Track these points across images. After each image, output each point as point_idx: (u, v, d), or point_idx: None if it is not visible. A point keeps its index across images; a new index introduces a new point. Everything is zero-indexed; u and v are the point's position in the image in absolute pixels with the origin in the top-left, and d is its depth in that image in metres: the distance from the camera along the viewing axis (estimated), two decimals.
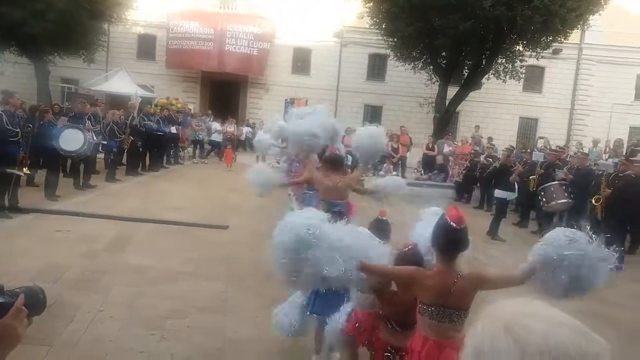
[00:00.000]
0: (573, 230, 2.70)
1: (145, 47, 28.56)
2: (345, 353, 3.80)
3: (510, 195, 10.89)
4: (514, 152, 13.16)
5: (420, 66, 22.01)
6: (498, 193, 10.85)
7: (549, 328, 0.91)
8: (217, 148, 20.64)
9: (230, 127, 21.38)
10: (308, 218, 2.84)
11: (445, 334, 2.63)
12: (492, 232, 10.29)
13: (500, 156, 13.73)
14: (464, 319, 2.66)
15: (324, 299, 4.04)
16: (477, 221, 11.21)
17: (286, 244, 2.70)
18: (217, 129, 20.85)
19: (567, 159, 12.92)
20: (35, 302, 1.47)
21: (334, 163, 5.32)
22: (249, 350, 4.53)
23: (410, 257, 3.09)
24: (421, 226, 3.21)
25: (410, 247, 3.20)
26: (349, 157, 15.91)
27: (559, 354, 0.87)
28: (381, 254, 2.96)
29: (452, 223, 2.61)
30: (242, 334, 4.85)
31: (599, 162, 11.21)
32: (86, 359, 4.13)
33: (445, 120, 21.67)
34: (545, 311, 0.96)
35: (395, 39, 20.97)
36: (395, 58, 22.58)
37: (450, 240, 2.64)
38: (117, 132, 13.10)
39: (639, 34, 26.78)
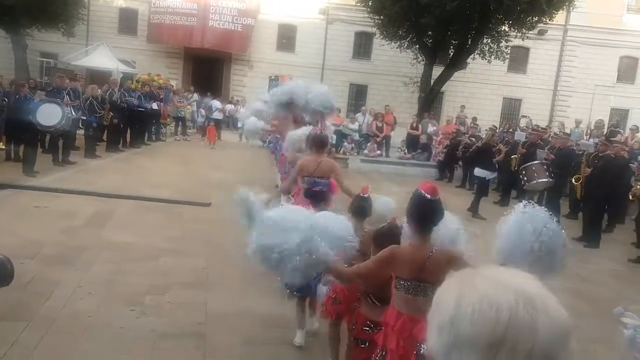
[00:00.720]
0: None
1: (127, 21, 27.87)
2: (330, 327, 3.83)
3: (490, 175, 10.96)
4: (497, 132, 13.22)
5: (406, 45, 21.87)
6: (478, 172, 10.93)
7: (490, 288, 0.90)
8: (217, 125, 20.66)
9: None
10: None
11: (420, 308, 2.60)
12: (473, 210, 10.38)
13: (484, 136, 13.80)
14: None
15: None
16: (459, 200, 11.29)
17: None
18: (217, 107, 20.69)
19: (549, 139, 13.03)
20: (1, 272, 1.42)
21: (317, 142, 5.28)
22: (230, 325, 4.52)
23: (389, 233, 3.08)
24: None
25: (389, 221, 3.20)
26: (334, 137, 15.89)
27: (487, 314, 0.86)
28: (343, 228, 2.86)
29: (426, 194, 2.60)
30: (224, 309, 4.84)
31: (580, 142, 11.30)
32: (64, 334, 4.09)
33: (430, 99, 21.66)
34: (501, 274, 0.94)
35: (382, 17, 20.78)
36: (381, 36, 22.41)
37: (425, 211, 2.63)
38: (96, 108, 12.84)
39: (623, 16, 26.94)
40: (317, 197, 4.18)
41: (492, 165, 10.97)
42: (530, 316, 0.86)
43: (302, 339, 4.28)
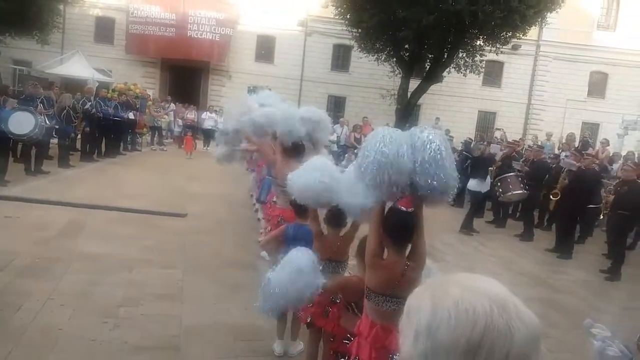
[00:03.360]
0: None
1: (103, 30, 27.60)
2: (308, 334, 3.81)
3: (485, 187, 10.80)
4: (483, 144, 13.09)
5: (383, 58, 22.11)
6: (473, 185, 10.75)
7: (465, 294, 0.91)
8: (208, 136, 20.76)
9: (191, 115, 21.03)
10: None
11: (392, 318, 2.60)
12: (466, 226, 10.28)
13: (461, 148, 13.95)
14: None
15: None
16: (437, 212, 11.39)
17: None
18: (212, 117, 20.71)
19: (523, 152, 13.28)
20: None
21: (295, 150, 5.27)
22: (205, 338, 4.47)
23: None
24: None
25: None
26: None
27: (464, 319, 0.87)
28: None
29: (401, 207, 2.61)
30: (199, 321, 4.78)
31: (564, 160, 11.22)
32: (34, 347, 3.98)
33: (407, 112, 21.88)
34: (474, 282, 0.95)
35: (360, 30, 20.98)
36: (359, 49, 22.62)
37: (401, 224, 2.62)
38: (73, 117, 12.64)
39: (593, 32, 27.76)
40: (302, 206, 4.12)
41: (485, 179, 10.81)
42: (505, 321, 0.88)
43: (281, 348, 4.26)
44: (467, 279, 0.96)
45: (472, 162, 11.96)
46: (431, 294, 0.94)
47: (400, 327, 0.99)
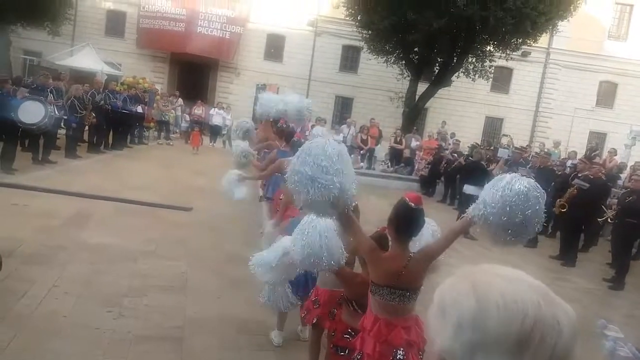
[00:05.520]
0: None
1: (114, 23, 27.69)
2: (311, 332, 3.82)
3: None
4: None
5: (392, 60, 22.10)
6: (470, 190, 10.65)
7: (509, 285, 0.90)
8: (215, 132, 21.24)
9: (199, 110, 21.08)
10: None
11: (396, 312, 2.67)
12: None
13: (468, 152, 13.89)
14: (415, 297, 2.70)
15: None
16: (440, 215, 11.38)
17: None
18: (223, 114, 21.02)
19: (529, 158, 13.25)
20: None
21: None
22: (209, 330, 4.47)
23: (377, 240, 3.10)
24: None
25: (378, 230, 3.22)
26: None
27: (514, 309, 0.86)
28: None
29: (410, 203, 2.63)
30: (203, 313, 4.79)
31: (576, 180, 10.87)
32: (38, 333, 4.00)
33: (414, 115, 21.86)
34: (513, 273, 0.94)
35: (370, 32, 20.99)
36: (369, 51, 22.61)
37: (408, 219, 2.64)
38: (78, 108, 12.67)
39: (603, 42, 27.65)
40: None
41: (483, 184, 10.65)
42: (552, 313, 0.87)
43: (280, 338, 4.29)
44: (504, 270, 0.94)
45: (469, 166, 11.91)
46: (471, 285, 0.92)
47: (429, 321, 0.96)
